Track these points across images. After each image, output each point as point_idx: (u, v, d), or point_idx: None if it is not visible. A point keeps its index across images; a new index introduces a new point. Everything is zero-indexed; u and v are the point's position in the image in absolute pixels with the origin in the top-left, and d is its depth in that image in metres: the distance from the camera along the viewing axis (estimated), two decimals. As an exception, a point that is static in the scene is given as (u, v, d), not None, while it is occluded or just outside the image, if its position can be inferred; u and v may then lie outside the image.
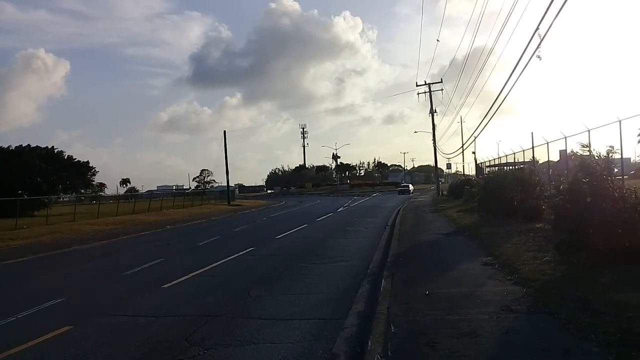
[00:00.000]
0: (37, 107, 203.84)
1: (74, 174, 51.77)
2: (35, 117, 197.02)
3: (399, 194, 72.86)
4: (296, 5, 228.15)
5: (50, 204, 43.99)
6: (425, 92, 53.21)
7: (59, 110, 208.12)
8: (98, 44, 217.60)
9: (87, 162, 53.96)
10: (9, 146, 50.00)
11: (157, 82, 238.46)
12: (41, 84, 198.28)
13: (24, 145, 51.00)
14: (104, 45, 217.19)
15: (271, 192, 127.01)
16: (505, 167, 29.07)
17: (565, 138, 18.40)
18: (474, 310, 7.50)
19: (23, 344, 7.52)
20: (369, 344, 6.34)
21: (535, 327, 6.48)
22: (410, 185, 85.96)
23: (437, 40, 77.70)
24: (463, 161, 76.02)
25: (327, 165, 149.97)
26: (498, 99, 20.01)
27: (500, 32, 50.89)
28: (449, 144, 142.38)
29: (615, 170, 12.63)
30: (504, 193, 19.50)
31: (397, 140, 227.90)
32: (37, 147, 51.51)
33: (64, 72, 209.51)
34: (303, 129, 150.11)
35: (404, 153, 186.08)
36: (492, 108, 21.50)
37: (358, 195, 75.05)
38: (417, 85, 53.89)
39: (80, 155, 62.16)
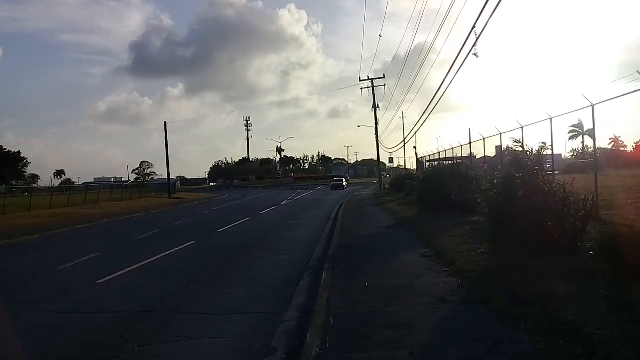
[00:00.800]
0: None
1: (4, 165, 49.44)
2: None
3: (332, 190, 63.49)
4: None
5: (-23, 196, 41.74)
6: (368, 87, 53.87)
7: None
8: (31, 29, 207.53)
9: (19, 153, 51.92)
10: None
11: (94, 71, 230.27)
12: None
13: (-53, 134, 48.23)
14: (37, 31, 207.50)
15: (214, 185, 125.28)
16: (444, 162, 29.86)
17: (501, 134, 19.08)
18: (411, 301, 7.65)
19: (-57, 345, 7.09)
20: (308, 336, 6.34)
21: (469, 317, 6.68)
22: (344, 180, 76.29)
23: (380, 36, 79.01)
24: (405, 155, 77.75)
25: (272, 158, 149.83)
26: (437, 94, 20.50)
27: (439, 30, 52.29)
28: (391, 139, 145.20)
29: (547, 165, 13.23)
30: (442, 187, 19.97)
31: (342, 134, 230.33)
32: (-37, 136, 48.83)
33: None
34: (247, 121, 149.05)
35: (348, 147, 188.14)
36: (432, 103, 22.02)
37: (302, 189, 75.13)
38: (360, 80, 54.48)
39: (12, 146, 59.37)
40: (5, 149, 50.79)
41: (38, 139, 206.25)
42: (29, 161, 53.92)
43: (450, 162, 27.38)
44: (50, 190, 58.49)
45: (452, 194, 19.46)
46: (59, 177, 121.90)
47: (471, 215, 16.31)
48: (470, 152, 24.53)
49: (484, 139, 21.58)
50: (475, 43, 13.25)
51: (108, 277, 11.48)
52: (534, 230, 9.54)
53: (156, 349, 6.61)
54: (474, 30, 13.08)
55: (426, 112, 24.80)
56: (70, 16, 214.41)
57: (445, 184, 20.05)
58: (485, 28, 12.83)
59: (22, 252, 18.12)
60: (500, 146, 19.63)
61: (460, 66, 15.51)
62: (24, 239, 21.81)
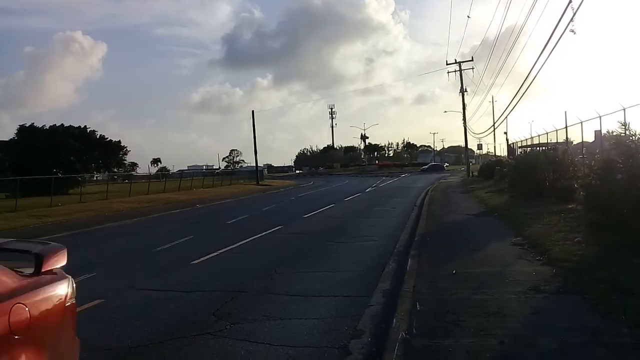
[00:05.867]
0: (75, 89, 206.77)
1: (107, 153, 52.85)
2: (73, 98, 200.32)
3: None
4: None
5: (83, 183, 44.92)
6: (455, 71, 52.32)
7: (96, 91, 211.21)
8: (129, 25, 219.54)
9: (119, 142, 55.07)
10: (43, 126, 51.23)
11: (187, 63, 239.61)
12: (78, 65, 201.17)
13: (57, 125, 52.09)
14: (134, 26, 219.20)
15: (300, 173, 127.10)
16: (537, 148, 28.51)
17: (600, 117, 17.84)
18: (502, 289, 7.42)
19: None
20: (394, 321, 6.33)
21: (564, 308, 6.38)
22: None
23: (468, 17, 75.28)
24: (494, 141, 74.82)
25: (356, 145, 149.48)
26: (529, 76, 19.55)
27: (532, 7, 49.27)
28: (479, 124, 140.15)
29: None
30: (536, 173, 19.14)
31: (427, 120, 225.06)
32: (70, 126, 52.59)
33: (100, 53, 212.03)
34: (331, 109, 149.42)
35: (434, 133, 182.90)
36: (524, 85, 21.05)
37: (386, 176, 74.45)
38: (447, 64, 53.03)
39: (115, 136, 63.51)
40: (107, 138, 54.14)
41: (137, 129, 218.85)
42: (128, 150, 57.22)
43: (544, 148, 26.11)
44: (148, 177, 61.91)
45: (545, 181, 18.58)
46: (155, 165, 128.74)
47: (566, 203, 15.48)
48: (567, 137, 23.20)
49: (581, 123, 20.29)
50: (572, 18, 12.48)
51: (201, 259, 12.02)
52: (638, 218, 8.92)
53: (246, 327, 6.84)
54: (570, 5, 12.32)
55: (517, 95, 23.75)
56: (163, 10, 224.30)
57: (539, 170, 19.19)
58: (584, 2, 12.05)
59: (123, 234, 19.36)
60: (600, 130, 18.41)
61: (556, 44, 14.68)
62: (124, 222, 23.29)
